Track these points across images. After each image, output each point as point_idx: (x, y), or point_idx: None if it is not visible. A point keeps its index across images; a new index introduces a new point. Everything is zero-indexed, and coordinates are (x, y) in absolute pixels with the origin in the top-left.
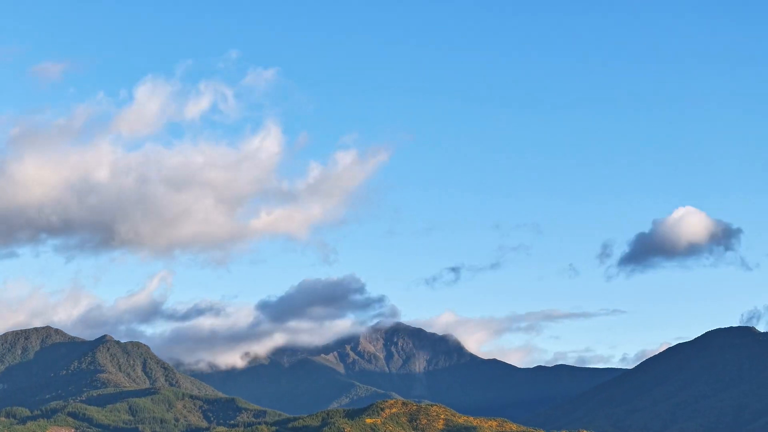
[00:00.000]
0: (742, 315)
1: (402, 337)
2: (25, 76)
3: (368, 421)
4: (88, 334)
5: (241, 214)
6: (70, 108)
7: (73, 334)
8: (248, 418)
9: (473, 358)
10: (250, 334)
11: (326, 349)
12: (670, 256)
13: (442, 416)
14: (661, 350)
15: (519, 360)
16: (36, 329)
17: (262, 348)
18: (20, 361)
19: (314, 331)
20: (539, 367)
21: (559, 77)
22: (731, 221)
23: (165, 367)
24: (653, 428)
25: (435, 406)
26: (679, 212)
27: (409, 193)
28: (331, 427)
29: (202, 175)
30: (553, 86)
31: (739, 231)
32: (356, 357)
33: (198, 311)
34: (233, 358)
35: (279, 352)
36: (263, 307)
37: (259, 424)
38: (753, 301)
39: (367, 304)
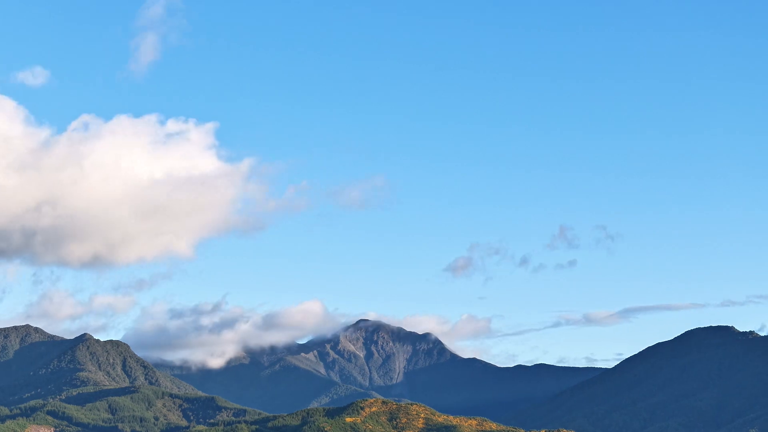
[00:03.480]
0: None
1: (382, 336)
2: None
3: (348, 420)
4: (69, 333)
5: None
6: None
7: (52, 332)
8: (228, 417)
9: (453, 357)
10: (231, 332)
11: (306, 348)
12: None
13: (422, 415)
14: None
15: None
16: (15, 328)
17: (242, 347)
18: None
19: (294, 330)
20: (519, 367)
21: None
22: None
23: (145, 366)
24: (633, 427)
25: (415, 405)
26: None
27: None
28: (311, 426)
29: None
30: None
31: None
32: (336, 356)
33: (180, 310)
34: (213, 357)
35: (259, 351)
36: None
37: (239, 423)
38: None
39: None
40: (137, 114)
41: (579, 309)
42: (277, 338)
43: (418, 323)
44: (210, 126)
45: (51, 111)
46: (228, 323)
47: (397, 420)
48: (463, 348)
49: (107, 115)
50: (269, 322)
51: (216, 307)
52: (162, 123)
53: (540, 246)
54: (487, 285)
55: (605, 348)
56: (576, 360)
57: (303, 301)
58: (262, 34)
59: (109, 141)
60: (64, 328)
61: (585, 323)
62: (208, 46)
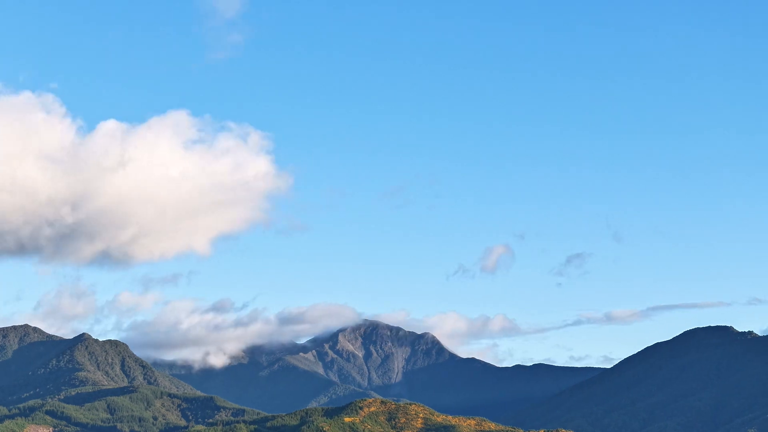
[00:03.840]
0: None
1: (381, 335)
2: None
3: (347, 419)
4: (67, 332)
5: None
6: None
7: (51, 332)
8: (227, 416)
9: (452, 356)
10: (228, 332)
11: (305, 348)
12: None
13: (421, 415)
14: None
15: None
16: (14, 327)
17: (240, 346)
18: None
19: (293, 330)
20: (518, 366)
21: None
22: None
23: (143, 366)
24: (631, 427)
25: (413, 405)
26: None
27: None
28: (309, 426)
29: None
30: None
31: None
32: (335, 356)
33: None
34: (212, 357)
35: (258, 350)
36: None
37: (238, 422)
38: None
39: None
40: (197, 112)
41: (602, 307)
42: (276, 337)
43: (443, 322)
44: (262, 131)
45: (116, 108)
46: (245, 322)
47: (396, 420)
48: (483, 346)
49: (165, 111)
50: (295, 323)
51: (235, 306)
52: (218, 121)
53: (573, 244)
54: (516, 283)
55: (626, 347)
56: (595, 359)
57: (332, 302)
58: (316, 36)
59: (164, 138)
60: (75, 326)
61: (606, 321)
62: (285, 45)
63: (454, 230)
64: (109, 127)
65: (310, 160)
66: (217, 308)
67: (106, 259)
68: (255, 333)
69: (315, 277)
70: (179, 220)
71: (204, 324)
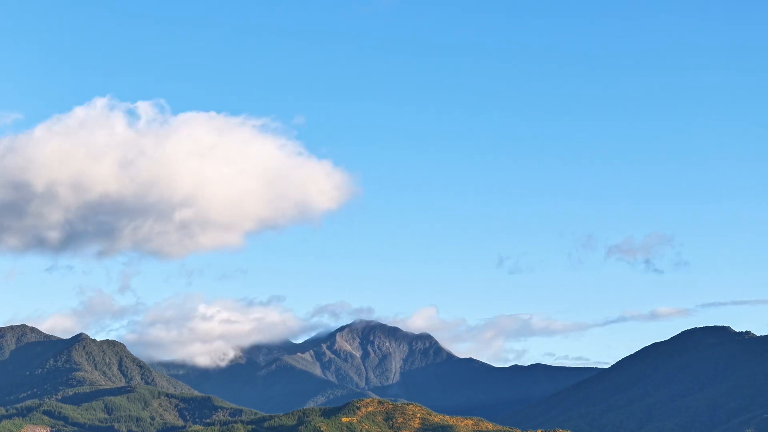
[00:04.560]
0: None
1: (378, 335)
2: None
3: (344, 420)
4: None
5: None
6: None
7: (48, 332)
8: (224, 416)
9: (449, 356)
10: (227, 332)
11: (302, 348)
12: None
13: (418, 415)
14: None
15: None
16: (11, 327)
17: (238, 346)
18: None
19: (290, 330)
20: (515, 367)
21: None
22: None
23: (141, 366)
24: (629, 427)
25: (411, 405)
26: None
27: None
28: (307, 426)
29: None
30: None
31: None
32: (332, 356)
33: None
34: (209, 357)
35: (255, 350)
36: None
37: (235, 422)
38: None
39: None
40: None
41: (647, 305)
42: (273, 337)
43: (493, 321)
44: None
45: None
46: (264, 320)
47: (393, 420)
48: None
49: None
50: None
51: (256, 302)
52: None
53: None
54: (571, 277)
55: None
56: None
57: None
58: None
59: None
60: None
61: (649, 319)
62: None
63: (506, 225)
64: (192, 118)
65: (367, 160)
66: (242, 305)
67: (145, 252)
68: (274, 332)
69: (361, 276)
70: (218, 217)
71: (216, 322)
